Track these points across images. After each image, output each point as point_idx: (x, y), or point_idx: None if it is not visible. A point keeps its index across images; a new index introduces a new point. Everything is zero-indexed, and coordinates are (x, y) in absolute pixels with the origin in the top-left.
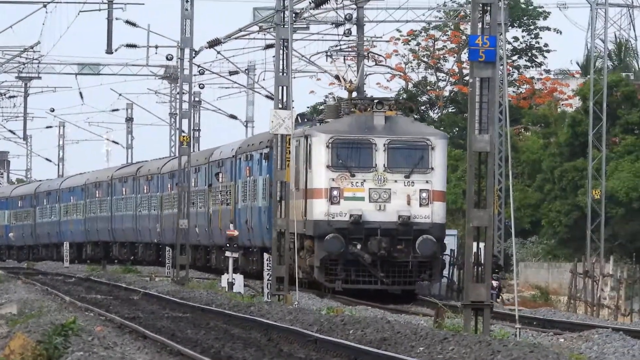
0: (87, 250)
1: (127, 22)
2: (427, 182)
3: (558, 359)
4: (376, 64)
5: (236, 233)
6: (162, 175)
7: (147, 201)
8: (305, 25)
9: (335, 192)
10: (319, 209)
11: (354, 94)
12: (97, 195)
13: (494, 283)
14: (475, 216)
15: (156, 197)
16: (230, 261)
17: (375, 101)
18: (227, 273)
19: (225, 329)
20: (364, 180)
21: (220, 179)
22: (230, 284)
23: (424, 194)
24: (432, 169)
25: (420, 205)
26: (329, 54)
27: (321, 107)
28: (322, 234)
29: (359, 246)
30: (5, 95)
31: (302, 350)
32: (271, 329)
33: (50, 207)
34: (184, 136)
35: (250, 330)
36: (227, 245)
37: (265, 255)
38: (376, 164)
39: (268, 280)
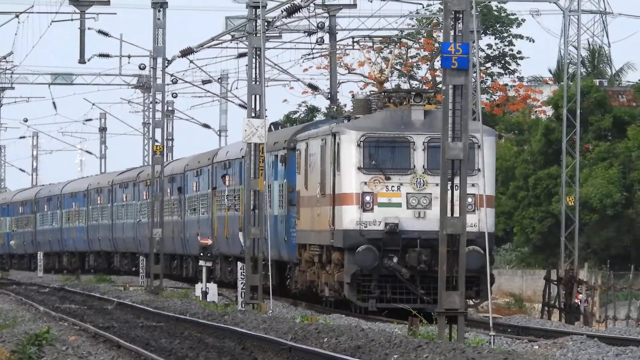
0: (90, 260)
1: (100, 31)
2: (473, 185)
3: None
4: (349, 72)
5: (210, 242)
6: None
7: (147, 208)
8: (277, 34)
9: (367, 198)
10: (349, 217)
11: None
12: (99, 201)
13: (581, 296)
14: (449, 224)
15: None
16: (204, 270)
17: (413, 93)
18: (201, 282)
19: (199, 338)
20: (401, 184)
21: (227, 182)
22: (204, 293)
23: (469, 199)
24: (479, 170)
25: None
26: (355, 40)
27: (348, 105)
28: (353, 245)
29: (395, 259)
30: None
31: (277, 359)
32: (245, 338)
33: (52, 214)
34: (157, 145)
35: (224, 339)
36: (201, 254)
37: (239, 264)
38: (414, 165)
39: (242, 289)
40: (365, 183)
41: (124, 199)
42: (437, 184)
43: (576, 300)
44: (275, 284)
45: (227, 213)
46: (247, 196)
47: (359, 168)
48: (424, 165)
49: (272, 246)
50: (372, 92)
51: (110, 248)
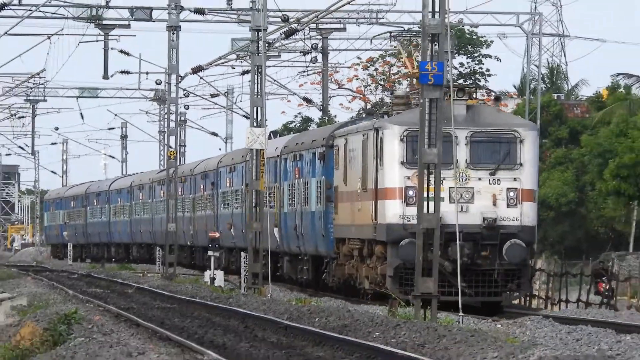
0: (133, 251)
1: (121, 51)
2: (515, 179)
3: (495, 342)
4: (340, 86)
5: (217, 235)
6: (195, 176)
7: (181, 203)
8: (277, 54)
9: (411, 192)
10: (393, 211)
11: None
12: (141, 197)
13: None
14: (425, 219)
15: (189, 199)
16: (212, 260)
17: (456, 89)
18: (209, 270)
19: (207, 318)
20: (444, 178)
21: None
22: (212, 279)
23: (511, 193)
24: (521, 164)
25: (508, 206)
26: (393, 34)
27: (388, 100)
28: (397, 239)
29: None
30: (15, 116)
31: (274, 336)
32: (247, 318)
33: (100, 208)
34: (171, 151)
35: (229, 319)
36: (210, 245)
37: (242, 254)
38: (457, 160)
39: (245, 275)
40: (409, 177)
41: (162, 195)
42: (479, 179)
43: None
44: (310, 278)
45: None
46: (249, 195)
47: (402, 162)
48: (466, 160)
49: (309, 241)
50: (412, 89)
51: (150, 240)
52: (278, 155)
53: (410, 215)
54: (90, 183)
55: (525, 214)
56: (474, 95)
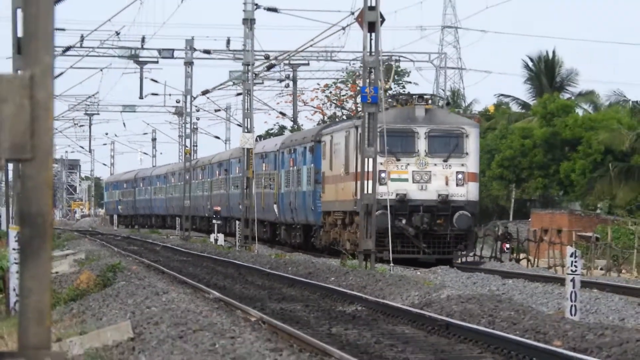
0: (168, 220)
1: (152, 79)
2: (462, 165)
3: (416, 285)
4: (305, 104)
5: (219, 208)
6: (212, 164)
7: (201, 185)
8: (261, 81)
9: (383, 175)
10: (370, 189)
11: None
12: (172, 181)
13: (507, 245)
14: (365, 197)
15: (208, 182)
16: (215, 226)
17: (416, 96)
18: (214, 233)
19: (212, 267)
20: (408, 164)
21: (264, 168)
22: (216, 240)
23: (460, 176)
24: (467, 153)
25: (457, 185)
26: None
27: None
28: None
29: (404, 221)
30: (77, 124)
31: (260, 280)
32: (240, 267)
33: (145, 189)
34: (187, 149)
35: (227, 268)
36: (214, 216)
37: (237, 222)
38: (418, 150)
39: (239, 237)
40: (381, 163)
41: (199, 177)
42: (435, 164)
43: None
44: (301, 241)
45: (263, 190)
46: (242, 181)
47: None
48: (425, 150)
49: (301, 214)
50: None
51: (180, 212)
52: (277, 150)
53: (383, 192)
54: (138, 170)
55: (470, 192)
56: (429, 101)
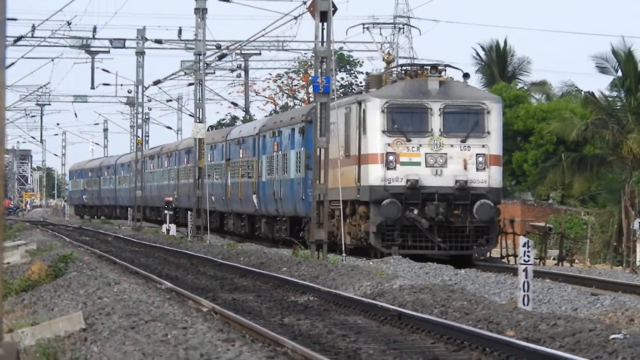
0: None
1: (103, 69)
2: (483, 146)
3: (368, 275)
4: (257, 94)
5: (171, 199)
6: (179, 151)
7: (167, 174)
8: (212, 71)
9: (391, 157)
10: (375, 175)
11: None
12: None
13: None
14: (317, 187)
15: (174, 170)
16: (168, 216)
17: (429, 66)
18: (166, 223)
19: (164, 258)
20: (420, 145)
21: (241, 155)
22: (168, 230)
23: (480, 158)
24: (489, 133)
25: (477, 169)
26: (365, 26)
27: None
28: (379, 199)
29: (415, 211)
30: (28, 115)
31: (212, 270)
32: (193, 257)
33: (110, 178)
34: (138, 139)
35: (180, 258)
36: (166, 206)
37: (189, 213)
38: (432, 129)
39: (191, 227)
40: (389, 144)
41: (151, 167)
42: (451, 145)
43: None
44: (288, 236)
45: (240, 180)
46: (193, 170)
47: (383, 131)
48: (440, 129)
49: (288, 204)
50: (386, 68)
51: (143, 203)
52: (256, 134)
53: (391, 178)
54: (103, 158)
55: (493, 177)
56: (443, 73)
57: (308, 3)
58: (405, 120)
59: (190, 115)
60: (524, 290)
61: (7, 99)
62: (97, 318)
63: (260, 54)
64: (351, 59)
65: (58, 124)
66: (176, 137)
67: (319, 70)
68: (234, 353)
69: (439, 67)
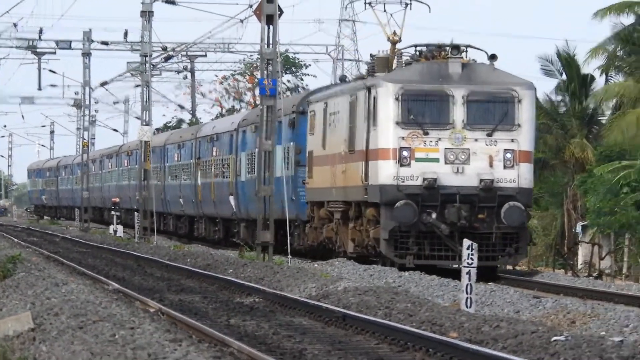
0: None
1: (50, 70)
2: (512, 140)
3: (313, 276)
4: (204, 97)
5: (118, 200)
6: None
7: (127, 172)
8: (159, 73)
9: (405, 153)
10: (386, 172)
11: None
12: (93, 169)
13: None
14: (262, 189)
15: (135, 169)
16: (115, 217)
17: (449, 47)
18: (114, 224)
19: (111, 258)
20: (439, 139)
21: (214, 153)
22: (115, 231)
23: (508, 155)
24: (519, 125)
25: (505, 167)
26: (368, 1)
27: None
28: (391, 200)
29: (434, 215)
30: None
31: (159, 272)
32: (139, 259)
33: (67, 177)
34: (84, 141)
35: (127, 259)
36: (113, 207)
37: (135, 214)
38: (453, 120)
39: (138, 228)
40: (403, 138)
41: (110, 167)
42: (476, 140)
43: None
44: (274, 242)
45: (213, 180)
46: (138, 172)
47: (397, 122)
48: (463, 120)
49: (275, 206)
50: (392, 50)
51: (101, 204)
52: (235, 129)
53: (405, 177)
54: (61, 157)
55: (523, 176)
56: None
57: (254, 6)
58: (423, 110)
59: (137, 117)
60: (467, 293)
61: None
62: (46, 318)
63: (206, 55)
64: (297, 61)
65: (5, 126)
66: (122, 140)
67: (265, 72)
68: (181, 353)
69: (461, 48)
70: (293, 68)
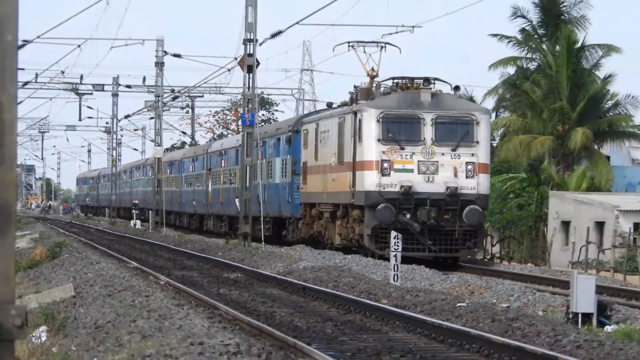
0: (121, 212)
1: (88, 106)
2: (472, 155)
3: (281, 258)
4: (200, 126)
5: (137, 201)
6: (183, 160)
7: (138, 183)
8: (167, 108)
9: (386, 164)
10: (370, 180)
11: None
12: (124, 178)
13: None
14: (244, 194)
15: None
16: (135, 213)
17: (421, 79)
18: (135, 219)
19: (132, 244)
20: (413, 153)
21: (223, 164)
22: (134, 225)
23: (469, 166)
24: (478, 142)
25: (467, 177)
26: (350, 44)
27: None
28: (374, 203)
29: (408, 215)
30: (33, 139)
31: (167, 254)
32: (153, 245)
33: (105, 184)
34: (113, 158)
35: (143, 245)
36: (133, 207)
37: (150, 212)
38: (424, 138)
39: (154, 222)
40: (384, 152)
41: (137, 176)
42: (443, 154)
43: None
44: (272, 234)
45: (221, 186)
46: (153, 180)
47: (378, 140)
48: (432, 138)
49: (272, 206)
50: (370, 83)
51: (129, 205)
52: (239, 146)
53: (385, 184)
54: (101, 169)
55: (481, 184)
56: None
57: (239, 59)
58: (399, 130)
59: (151, 140)
60: (394, 271)
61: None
62: (83, 288)
63: (202, 96)
64: (269, 100)
65: (54, 146)
66: (141, 157)
67: (246, 109)
68: (183, 314)
69: (430, 80)
70: (267, 106)
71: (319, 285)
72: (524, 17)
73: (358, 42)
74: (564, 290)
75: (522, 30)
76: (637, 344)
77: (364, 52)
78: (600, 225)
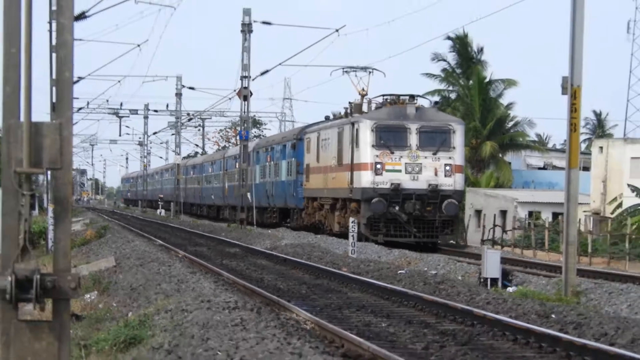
0: (152, 204)
1: (126, 126)
2: (450, 158)
3: (269, 237)
4: (209, 140)
5: (162, 196)
6: (187, 167)
7: (184, 182)
8: (184, 127)
9: (378, 166)
10: (366, 179)
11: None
12: (156, 177)
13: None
14: (242, 190)
15: (183, 179)
16: (160, 204)
17: (407, 96)
18: (160, 209)
19: (158, 227)
20: (401, 157)
21: (236, 165)
22: (160, 213)
23: (447, 167)
24: (454, 148)
25: (445, 176)
26: (345, 70)
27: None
28: (369, 198)
29: (397, 207)
30: (85, 150)
31: (183, 234)
32: (173, 227)
33: (145, 182)
34: (144, 164)
35: (166, 227)
36: (159, 200)
37: (172, 204)
38: (410, 144)
39: (174, 211)
40: (377, 156)
41: (167, 176)
42: (425, 157)
43: None
44: (277, 221)
45: (235, 183)
46: (175, 179)
47: (372, 145)
48: (416, 144)
49: (279, 199)
50: (361, 99)
51: (158, 198)
52: (251, 151)
53: (378, 182)
54: (139, 171)
55: (457, 182)
56: (416, 101)
57: (237, 90)
58: (390, 137)
59: (172, 150)
60: (352, 247)
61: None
62: (122, 260)
63: (210, 118)
64: (259, 121)
65: (101, 155)
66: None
67: (242, 127)
68: (196, 279)
69: (415, 97)
70: (258, 125)
71: (296, 257)
72: (444, 60)
73: (350, 67)
74: (477, 261)
75: (444, 70)
76: (531, 300)
77: (356, 75)
78: (503, 213)
